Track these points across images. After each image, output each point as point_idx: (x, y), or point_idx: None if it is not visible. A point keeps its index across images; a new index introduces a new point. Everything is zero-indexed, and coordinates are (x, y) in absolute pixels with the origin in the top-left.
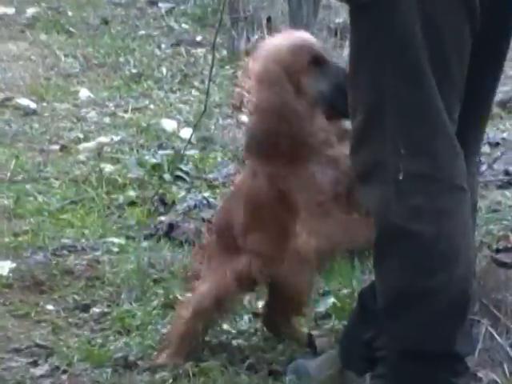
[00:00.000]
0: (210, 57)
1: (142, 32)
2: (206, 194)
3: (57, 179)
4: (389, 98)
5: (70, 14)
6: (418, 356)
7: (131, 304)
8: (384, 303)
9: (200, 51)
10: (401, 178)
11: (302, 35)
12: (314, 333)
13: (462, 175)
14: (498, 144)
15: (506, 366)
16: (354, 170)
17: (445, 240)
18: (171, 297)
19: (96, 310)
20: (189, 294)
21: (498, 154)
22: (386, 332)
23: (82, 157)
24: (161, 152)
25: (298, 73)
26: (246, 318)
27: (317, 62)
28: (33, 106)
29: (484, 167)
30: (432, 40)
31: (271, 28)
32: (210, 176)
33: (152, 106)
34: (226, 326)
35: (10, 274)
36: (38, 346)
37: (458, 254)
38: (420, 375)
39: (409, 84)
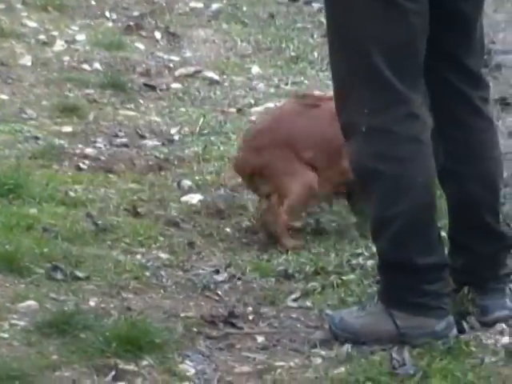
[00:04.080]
0: None
1: (299, 25)
2: None
3: (234, 133)
4: (353, 74)
5: (244, 9)
6: (390, 267)
7: None
8: (370, 228)
9: None
10: (364, 130)
11: None
12: None
13: (418, 129)
14: None
15: None
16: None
17: (406, 178)
18: None
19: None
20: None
21: None
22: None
23: (253, 118)
24: None
25: None
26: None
27: None
28: (216, 77)
29: None
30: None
31: None
32: None
33: (306, 81)
34: (360, 250)
35: (199, 204)
36: (218, 258)
37: (416, 188)
38: (395, 282)
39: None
